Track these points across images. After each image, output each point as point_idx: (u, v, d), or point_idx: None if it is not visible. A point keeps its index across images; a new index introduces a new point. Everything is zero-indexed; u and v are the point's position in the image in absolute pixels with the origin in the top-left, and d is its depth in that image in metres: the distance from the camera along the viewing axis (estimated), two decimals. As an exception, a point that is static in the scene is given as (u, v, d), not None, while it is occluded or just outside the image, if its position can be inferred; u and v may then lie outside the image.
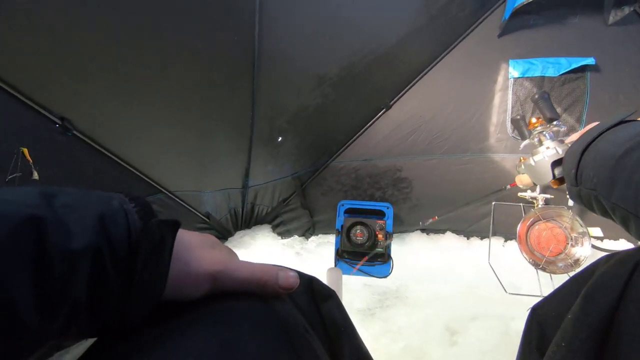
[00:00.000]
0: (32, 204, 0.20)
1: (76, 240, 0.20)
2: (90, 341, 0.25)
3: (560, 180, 0.70)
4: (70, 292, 0.20)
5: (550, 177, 0.70)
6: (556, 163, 0.70)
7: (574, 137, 0.61)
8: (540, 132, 0.86)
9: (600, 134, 0.46)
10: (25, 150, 0.76)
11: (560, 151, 0.72)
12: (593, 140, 0.47)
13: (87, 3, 0.77)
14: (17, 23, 0.72)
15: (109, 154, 1.03)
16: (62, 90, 0.86)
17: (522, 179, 0.94)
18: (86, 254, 0.20)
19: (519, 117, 0.97)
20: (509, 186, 1.20)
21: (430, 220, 1.40)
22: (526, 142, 0.93)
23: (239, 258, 0.31)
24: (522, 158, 0.90)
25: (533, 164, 0.77)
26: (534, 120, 0.89)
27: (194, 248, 0.27)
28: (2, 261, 0.18)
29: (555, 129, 0.86)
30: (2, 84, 0.75)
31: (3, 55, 0.74)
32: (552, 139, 0.84)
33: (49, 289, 0.19)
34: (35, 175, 0.79)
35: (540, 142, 0.85)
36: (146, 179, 1.18)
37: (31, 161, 0.78)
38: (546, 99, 0.88)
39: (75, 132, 0.92)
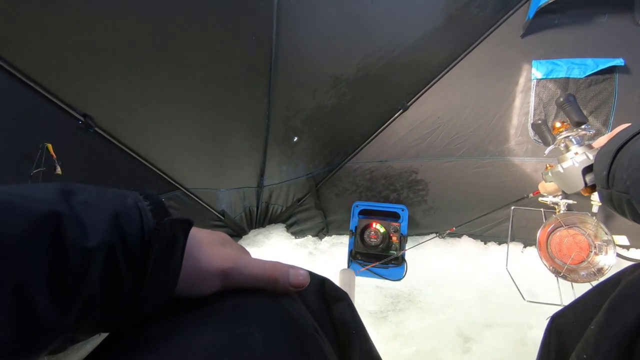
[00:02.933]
0: (51, 200, 0.21)
1: (91, 237, 0.21)
2: (104, 335, 0.25)
3: (592, 188, 0.66)
4: (84, 287, 0.20)
5: (581, 184, 0.66)
6: (587, 169, 0.65)
7: (602, 140, 0.58)
8: (566, 137, 0.82)
9: (635, 135, 0.44)
10: (50, 146, 0.79)
11: (590, 157, 0.67)
12: (627, 142, 0.45)
13: (111, 3, 0.80)
14: (43, 22, 0.75)
15: (128, 151, 1.06)
16: (86, 88, 0.89)
17: (547, 187, 0.90)
18: (100, 250, 0.21)
19: (540, 121, 0.92)
20: (531, 194, 1.16)
21: (448, 231, 1.38)
22: (551, 147, 0.88)
23: (251, 256, 0.31)
24: (547, 165, 0.86)
25: (561, 171, 0.73)
26: (558, 124, 0.85)
27: (204, 245, 0.27)
28: (20, 255, 0.18)
29: (582, 133, 0.81)
30: (29, 81, 0.78)
31: (30, 54, 0.77)
32: (580, 143, 0.79)
33: (64, 284, 0.20)
34: (59, 170, 0.82)
35: (567, 148, 0.80)
36: (164, 176, 1.21)
37: (55, 156, 0.81)
38: (572, 102, 0.83)
39: (97, 128, 0.94)
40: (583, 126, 0.81)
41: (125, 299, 0.22)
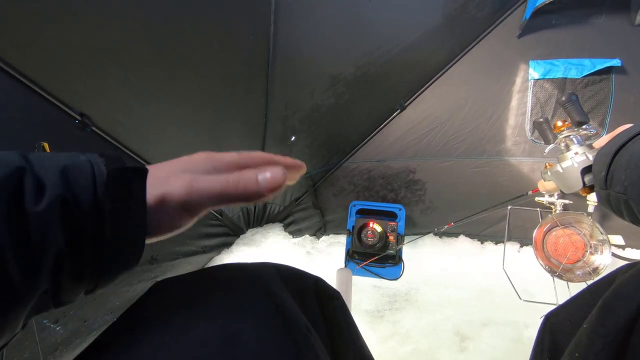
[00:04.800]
0: (14, 160, 0.21)
1: (46, 193, 0.21)
2: (96, 333, 0.25)
3: (591, 188, 0.65)
4: (48, 242, 0.21)
5: (580, 185, 0.65)
6: (586, 170, 0.65)
7: (603, 140, 0.58)
8: (567, 137, 0.81)
9: (634, 136, 0.44)
10: (46, 145, 0.79)
11: (590, 157, 0.67)
12: (626, 142, 0.45)
13: (110, 3, 0.79)
14: (41, 21, 0.75)
15: (126, 150, 1.05)
16: (83, 87, 0.89)
17: (546, 185, 0.90)
18: (54, 204, 0.21)
19: (542, 119, 0.91)
20: (530, 192, 1.16)
21: (446, 227, 1.38)
22: (551, 146, 0.88)
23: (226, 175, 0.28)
24: (547, 164, 0.85)
25: (561, 170, 0.72)
26: (559, 123, 0.84)
27: (161, 179, 0.26)
28: None
29: (584, 132, 0.80)
30: (25, 80, 0.78)
31: (28, 52, 0.77)
32: (580, 143, 0.78)
33: (27, 242, 0.20)
34: (55, 169, 0.82)
35: (567, 147, 0.79)
36: (161, 175, 1.21)
37: (51, 155, 0.81)
38: (574, 101, 0.82)
39: (94, 128, 0.94)
40: (584, 126, 0.81)
41: (91, 247, 0.23)
